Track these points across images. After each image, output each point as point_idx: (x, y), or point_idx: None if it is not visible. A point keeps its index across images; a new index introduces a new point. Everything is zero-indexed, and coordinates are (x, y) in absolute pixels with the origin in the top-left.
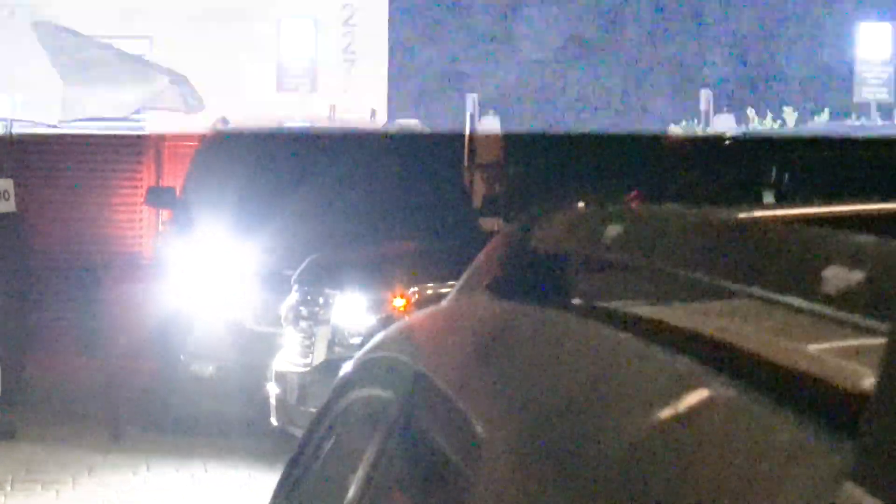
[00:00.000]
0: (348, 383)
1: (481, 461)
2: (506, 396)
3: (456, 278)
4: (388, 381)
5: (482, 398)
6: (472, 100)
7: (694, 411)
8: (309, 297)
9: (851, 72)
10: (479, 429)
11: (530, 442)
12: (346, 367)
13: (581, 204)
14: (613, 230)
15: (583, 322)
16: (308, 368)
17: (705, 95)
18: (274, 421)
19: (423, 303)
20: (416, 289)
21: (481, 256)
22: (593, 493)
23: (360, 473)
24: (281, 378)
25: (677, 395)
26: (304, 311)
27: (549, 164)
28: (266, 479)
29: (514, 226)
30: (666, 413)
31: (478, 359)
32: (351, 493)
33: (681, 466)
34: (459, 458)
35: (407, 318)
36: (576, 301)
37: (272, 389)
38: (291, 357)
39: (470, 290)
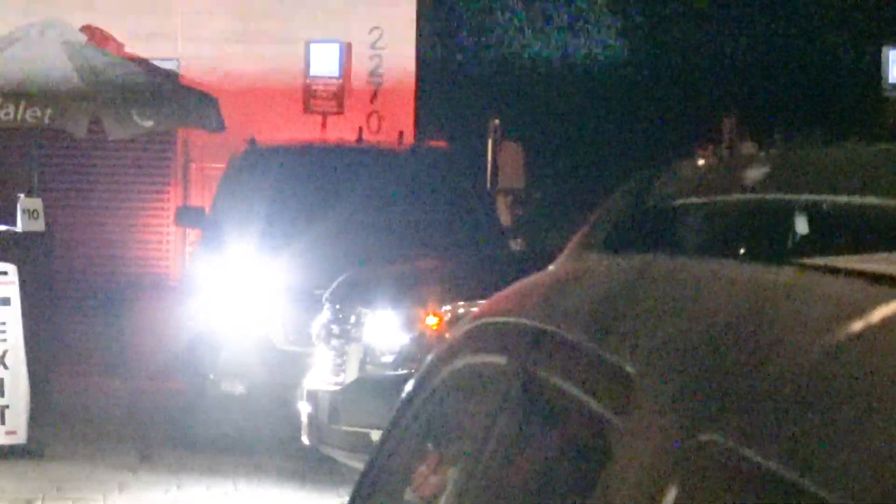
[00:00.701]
0: (439, 362)
1: (635, 402)
2: (655, 337)
3: (487, 296)
4: (497, 346)
5: (627, 342)
6: (493, 125)
7: (877, 324)
8: (340, 315)
9: (880, 95)
10: (628, 371)
11: (692, 374)
12: (433, 350)
13: (700, 160)
14: (755, 172)
15: (728, 263)
16: (340, 387)
17: (728, 124)
18: (305, 439)
19: (455, 321)
20: (448, 307)
21: (591, 220)
22: (771, 413)
23: (470, 442)
24: (312, 396)
25: (853, 312)
26: (335, 328)
27: (572, 190)
28: (297, 498)
29: (629, 185)
30: (845, 329)
31: (617, 307)
32: (463, 463)
33: (875, 374)
34: (605, 404)
35: (506, 289)
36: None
37: (303, 408)
38: (323, 375)
39: (580, 252)
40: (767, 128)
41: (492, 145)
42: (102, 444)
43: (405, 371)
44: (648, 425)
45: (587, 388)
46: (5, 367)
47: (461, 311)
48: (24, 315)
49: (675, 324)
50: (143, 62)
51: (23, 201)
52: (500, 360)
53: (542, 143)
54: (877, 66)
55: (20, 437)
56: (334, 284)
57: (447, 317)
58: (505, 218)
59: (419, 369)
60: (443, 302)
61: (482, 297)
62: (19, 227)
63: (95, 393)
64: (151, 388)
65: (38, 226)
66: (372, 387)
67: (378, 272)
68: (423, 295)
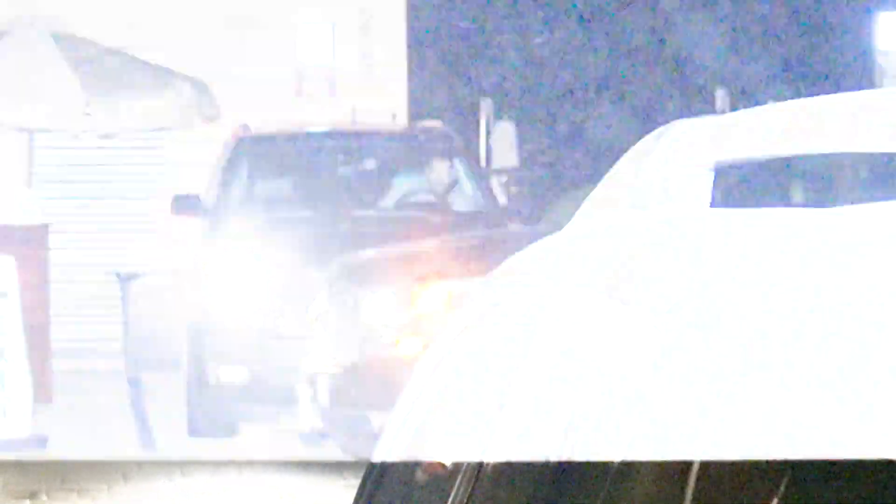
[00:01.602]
0: (451, 333)
1: (655, 352)
2: (680, 287)
3: (485, 274)
4: (514, 310)
5: (651, 294)
6: (486, 105)
7: None
8: (339, 298)
9: (871, 64)
10: (646, 323)
11: (717, 318)
12: (449, 326)
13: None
14: (770, 126)
15: (749, 211)
16: (340, 369)
17: (721, 95)
18: (307, 424)
19: (453, 300)
20: (447, 286)
21: (603, 181)
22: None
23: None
24: (313, 380)
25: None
26: (334, 311)
27: (566, 167)
28: (300, 482)
29: (647, 140)
30: (876, 262)
31: (638, 261)
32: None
33: None
34: (631, 358)
35: (519, 253)
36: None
37: (304, 392)
38: (323, 358)
39: (593, 213)
40: (760, 100)
41: (484, 125)
42: (106, 434)
43: (406, 351)
44: (665, 374)
45: (612, 344)
46: (5, 360)
47: (460, 290)
48: (22, 308)
49: (700, 273)
50: (133, 51)
51: (17, 194)
52: (517, 323)
53: (535, 121)
54: (869, 32)
55: (22, 431)
56: (332, 267)
57: (445, 296)
58: (500, 197)
59: (429, 344)
60: (440, 280)
61: (480, 276)
62: (15, 220)
63: (96, 383)
64: (152, 376)
65: (34, 218)
66: (373, 368)
67: (375, 253)
68: (420, 274)
